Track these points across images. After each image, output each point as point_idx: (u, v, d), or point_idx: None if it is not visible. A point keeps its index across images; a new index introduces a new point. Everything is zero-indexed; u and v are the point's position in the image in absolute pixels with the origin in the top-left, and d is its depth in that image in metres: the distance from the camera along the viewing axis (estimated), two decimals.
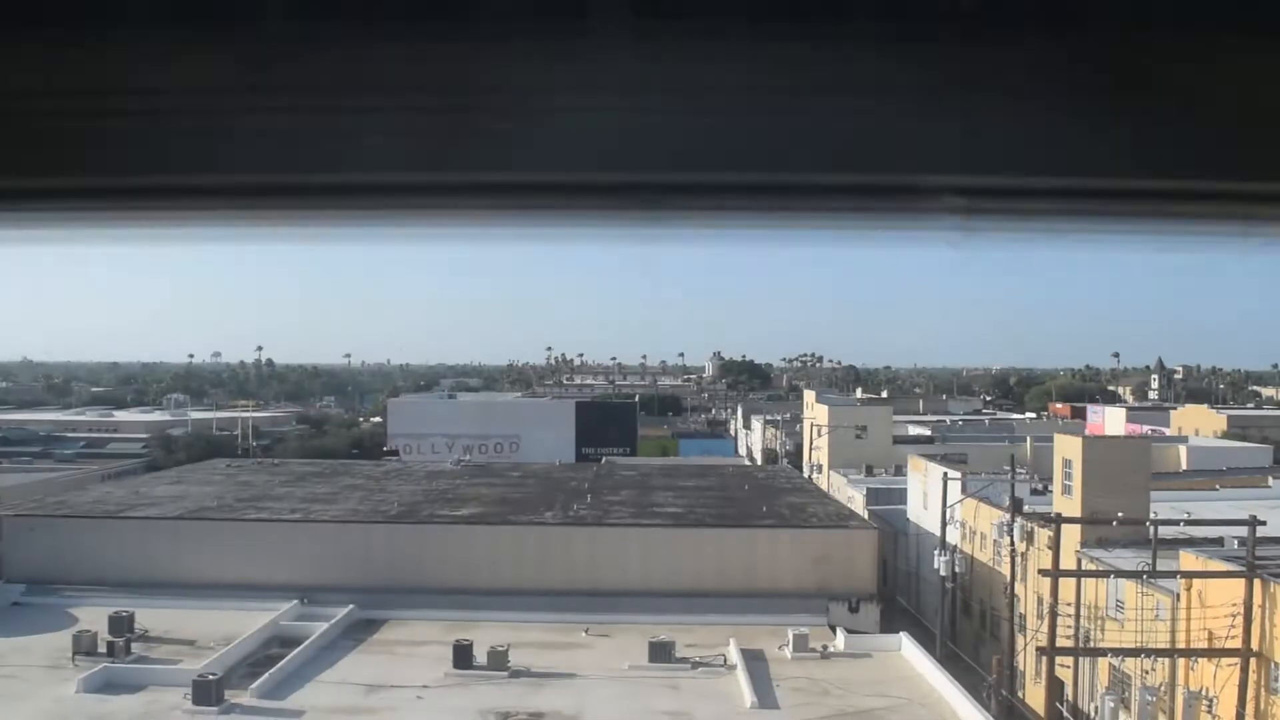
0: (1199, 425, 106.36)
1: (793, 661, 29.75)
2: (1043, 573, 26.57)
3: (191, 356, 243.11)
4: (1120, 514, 26.30)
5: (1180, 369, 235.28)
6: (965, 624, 41.43)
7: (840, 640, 31.42)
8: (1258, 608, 22.91)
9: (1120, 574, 25.96)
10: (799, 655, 30.08)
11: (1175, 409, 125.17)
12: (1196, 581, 24.82)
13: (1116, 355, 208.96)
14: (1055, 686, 25.82)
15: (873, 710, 25.64)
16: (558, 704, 25.69)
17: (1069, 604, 26.08)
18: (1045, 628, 25.23)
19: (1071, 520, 27.32)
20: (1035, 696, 32.49)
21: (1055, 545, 25.36)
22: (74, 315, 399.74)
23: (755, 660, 29.25)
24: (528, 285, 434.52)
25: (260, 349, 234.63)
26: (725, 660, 29.46)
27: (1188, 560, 25.35)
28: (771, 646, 30.85)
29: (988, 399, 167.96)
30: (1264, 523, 23.64)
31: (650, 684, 27.56)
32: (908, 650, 30.52)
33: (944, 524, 36.07)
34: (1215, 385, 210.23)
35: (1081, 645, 28.46)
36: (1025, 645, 28.09)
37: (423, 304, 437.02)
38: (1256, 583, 23.04)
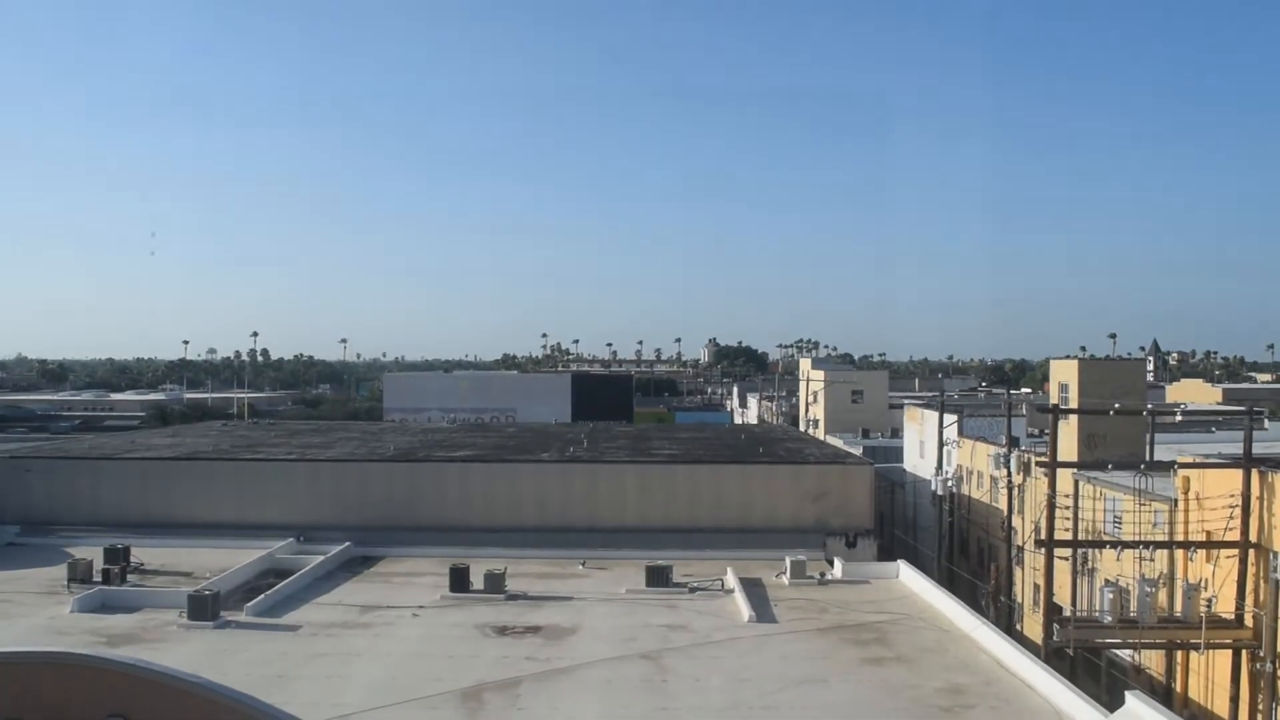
0: (1194, 400, 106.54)
1: (790, 586, 29.71)
2: (1040, 464, 26.53)
3: (187, 343, 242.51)
4: (1117, 404, 26.26)
5: (1175, 354, 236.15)
6: (963, 563, 41.41)
7: (838, 568, 31.37)
8: (1255, 499, 22.90)
9: (1118, 465, 25.95)
10: (796, 581, 30.03)
11: (1170, 386, 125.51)
12: (1194, 481, 24.79)
13: (1113, 336, 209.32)
14: (1051, 580, 25.82)
15: (872, 624, 25.56)
16: (555, 620, 25.60)
17: (1068, 495, 26.06)
18: (1044, 520, 25.19)
19: (1069, 411, 27.29)
20: (1033, 627, 32.47)
21: (1053, 435, 25.32)
22: (71, 311, 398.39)
23: (753, 586, 29.19)
24: (525, 279, 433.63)
25: (255, 334, 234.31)
26: (723, 585, 29.40)
27: (1185, 459, 25.36)
28: (769, 576, 30.81)
29: (983, 383, 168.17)
30: (1262, 411, 23.58)
31: (647, 604, 27.50)
32: (906, 576, 30.48)
33: (940, 444, 35.97)
34: (1210, 370, 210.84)
35: (1080, 568, 28.45)
36: (1025, 540, 28.08)
37: (420, 298, 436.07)
38: (1254, 474, 23.03)
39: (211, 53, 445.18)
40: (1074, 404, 29.93)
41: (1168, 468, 25.90)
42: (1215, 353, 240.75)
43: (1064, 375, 30.94)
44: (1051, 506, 24.91)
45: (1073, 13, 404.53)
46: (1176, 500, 25.51)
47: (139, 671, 13.55)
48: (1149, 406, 27.86)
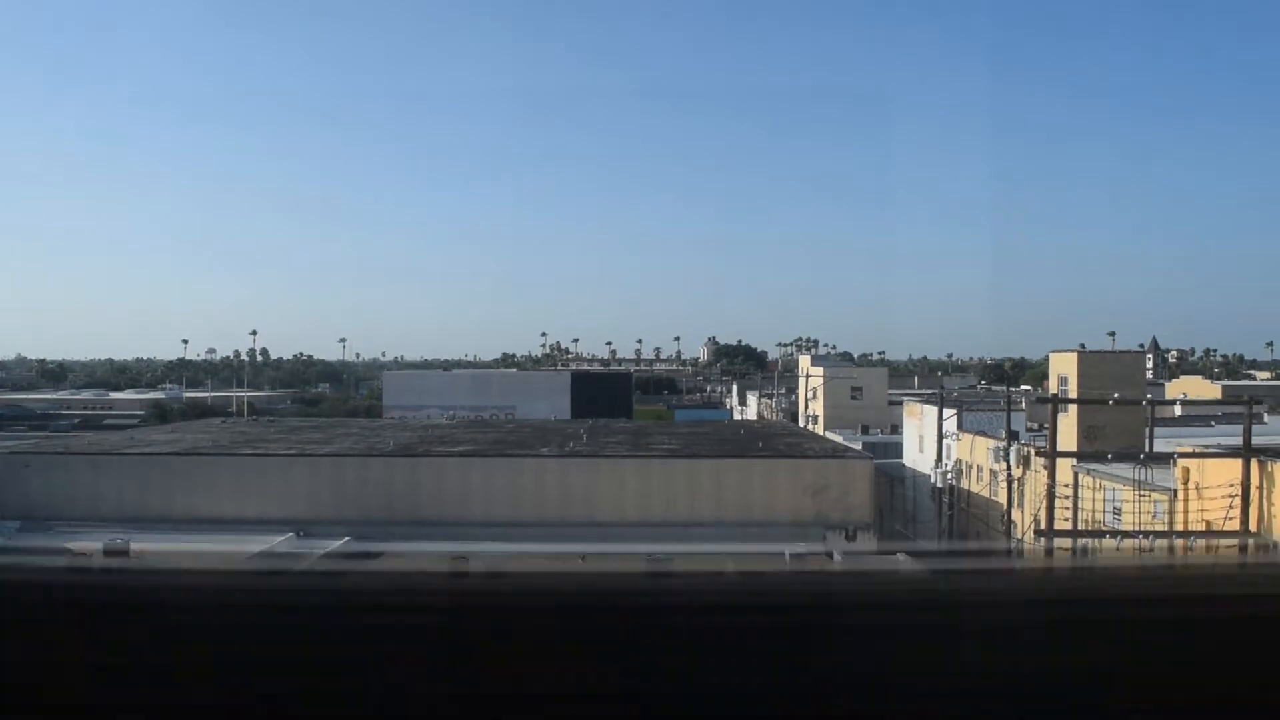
0: (1194, 395, 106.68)
1: None
2: (1039, 453, 26.63)
3: (186, 343, 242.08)
4: (1116, 394, 26.31)
5: (1175, 351, 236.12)
6: None
7: (838, 561, 31.37)
8: (1255, 488, 22.96)
9: (1117, 457, 26.00)
10: None
11: (1170, 383, 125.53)
12: (1194, 471, 24.86)
13: (1112, 334, 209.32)
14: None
15: None
16: None
17: (1067, 485, 26.15)
18: (1043, 511, 25.26)
19: (1068, 400, 27.35)
20: None
21: (1052, 425, 25.40)
22: (71, 311, 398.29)
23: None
24: (524, 278, 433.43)
25: (254, 334, 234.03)
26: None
27: (1185, 449, 25.42)
28: (769, 569, 30.82)
29: (983, 381, 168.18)
30: (1260, 402, 23.63)
31: None
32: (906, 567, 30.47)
33: (940, 437, 36.00)
34: (1210, 367, 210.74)
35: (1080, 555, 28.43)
36: (1024, 532, 28.17)
37: (419, 298, 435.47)
38: (1254, 463, 23.09)
39: (210, 53, 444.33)
40: (1073, 395, 29.96)
41: (1167, 459, 25.94)
42: (1214, 350, 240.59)
43: (1063, 367, 31.00)
44: (1051, 496, 24.97)
45: (1074, 11, 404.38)
46: (1176, 491, 25.56)
47: None
48: (1148, 397, 27.90)
